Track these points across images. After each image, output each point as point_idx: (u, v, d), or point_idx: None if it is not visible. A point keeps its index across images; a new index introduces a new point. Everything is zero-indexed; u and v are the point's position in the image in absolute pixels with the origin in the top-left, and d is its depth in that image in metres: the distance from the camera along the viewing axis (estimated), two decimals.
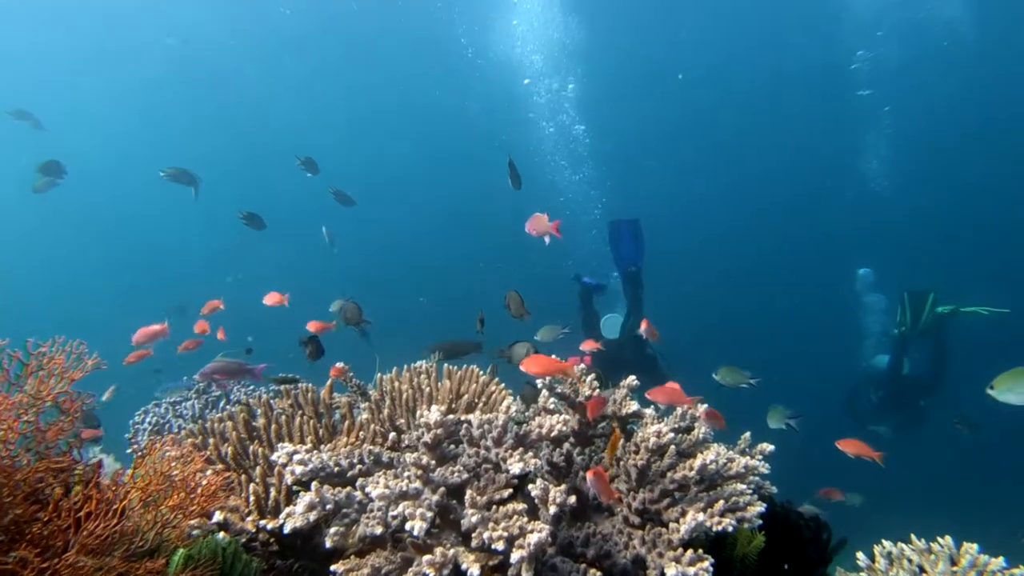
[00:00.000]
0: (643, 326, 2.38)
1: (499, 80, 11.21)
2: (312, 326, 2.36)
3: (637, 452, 1.62)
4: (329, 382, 2.07)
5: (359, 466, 1.45)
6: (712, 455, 1.52)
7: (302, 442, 1.70)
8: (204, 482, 1.13)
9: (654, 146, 14.97)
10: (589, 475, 1.42)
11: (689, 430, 1.96)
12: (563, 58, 9.96)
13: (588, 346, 3.46)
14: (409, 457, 1.36)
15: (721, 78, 13.61)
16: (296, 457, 1.41)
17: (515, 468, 1.39)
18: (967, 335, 6.38)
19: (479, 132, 14.43)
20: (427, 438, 1.43)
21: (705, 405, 2.04)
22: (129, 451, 2.28)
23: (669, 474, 1.52)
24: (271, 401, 2.00)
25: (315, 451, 1.49)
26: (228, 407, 2.17)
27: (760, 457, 1.95)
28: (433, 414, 1.42)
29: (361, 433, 1.79)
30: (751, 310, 14.44)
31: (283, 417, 1.77)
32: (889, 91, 10.56)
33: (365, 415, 1.97)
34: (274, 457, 1.45)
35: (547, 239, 2.20)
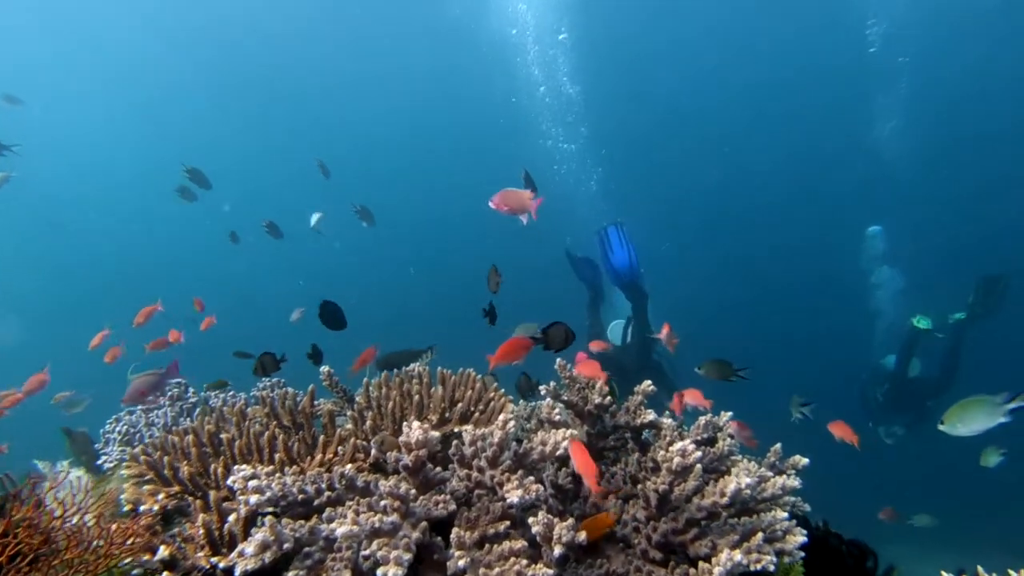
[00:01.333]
0: (664, 330, 2.08)
1: (491, 43, 10.23)
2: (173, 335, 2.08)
3: (657, 473, 1.34)
4: (310, 388, 1.80)
5: (328, 493, 1.18)
6: (746, 478, 1.23)
7: (271, 460, 1.43)
8: (120, 526, 0.86)
9: (652, 114, 13.83)
10: (572, 447, 1.19)
11: (712, 442, 1.67)
12: (556, 10, 8.94)
13: (596, 346, 3.18)
14: (385, 485, 1.08)
15: (725, 37, 12.36)
16: (252, 484, 1.13)
17: (513, 496, 1.11)
18: (981, 339, 6.00)
19: (472, 108, 13.49)
20: (407, 460, 1.15)
21: (730, 413, 1.76)
22: (99, 462, 2.02)
23: (696, 500, 1.24)
24: (245, 409, 1.73)
25: (278, 474, 1.21)
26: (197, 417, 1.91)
27: (793, 472, 1.67)
28: (414, 432, 1.15)
29: (340, 448, 1.52)
30: (756, 303, 13.79)
31: (251, 429, 1.50)
32: (904, 49, 9.54)
33: (350, 426, 1.71)
34: (229, 481, 1.18)
35: (524, 218, 1.83)
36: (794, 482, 1.41)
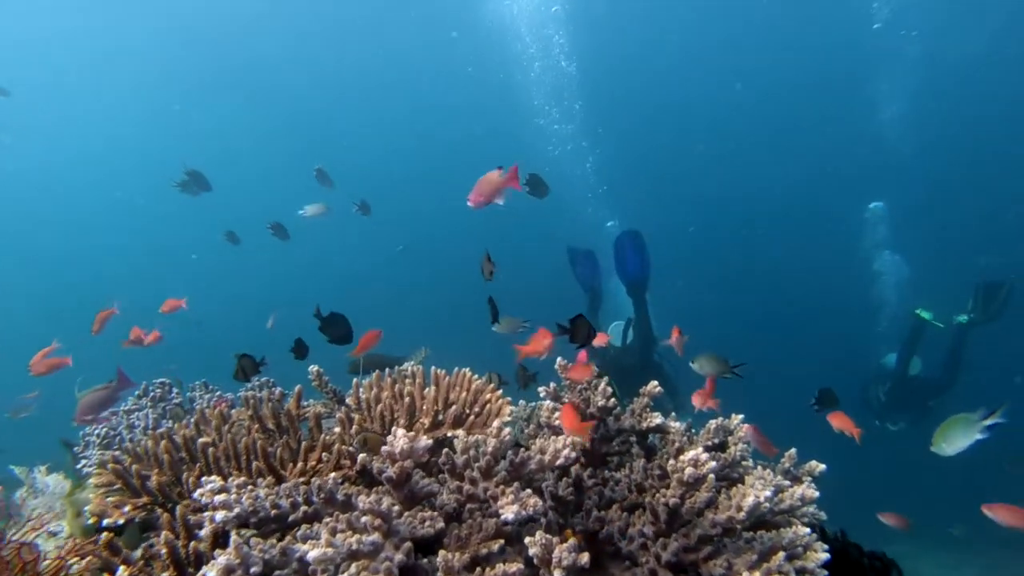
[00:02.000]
0: (674, 335, 1.94)
1: (486, 18, 9.49)
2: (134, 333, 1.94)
3: (664, 480, 1.21)
4: (297, 389, 1.67)
5: (304, 508, 1.05)
6: (765, 490, 1.10)
7: (248, 469, 1.30)
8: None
9: (647, 95, 12.90)
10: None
11: (722, 447, 1.54)
12: None
13: (600, 340, 3.03)
14: (364, 500, 0.95)
15: (725, 12, 11.44)
16: (218, 499, 1.00)
17: (508, 512, 0.98)
18: (983, 339, 5.80)
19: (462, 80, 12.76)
20: (391, 472, 1.02)
21: (741, 416, 1.62)
22: (79, 466, 1.90)
23: (710, 515, 1.10)
24: (226, 412, 1.60)
25: (250, 486, 1.08)
26: (181, 420, 1.77)
27: (809, 479, 1.53)
28: (399, 440, 1.02)
29: (325, 455, 1.38)
30: (756, 299, 13.38)
31: (228, 435, 1.37)
32: (912, 25, 8.83)
33: (338, 429, 1.58)
34: (197, 494, 1.05)
35: (500, 200, 1.69)
36: (813, 492, 1.28)
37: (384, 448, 1.02)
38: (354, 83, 13.78)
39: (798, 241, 13.28)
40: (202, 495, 1.04)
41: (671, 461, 1.14)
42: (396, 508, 0.98)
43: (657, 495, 1.15)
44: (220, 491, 1.05)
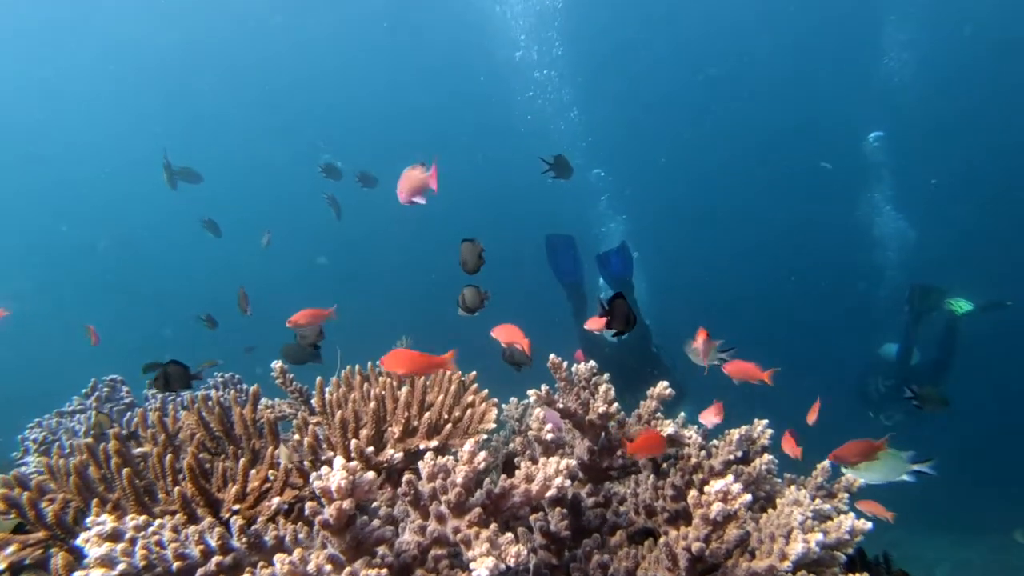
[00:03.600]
0: (700, 336, 1.67)
1: None
2: None
3: (680, 504, 0.93)
4: (253, 389, 1.39)
5: (217, 557, 0.77)
6: (817, 532, 0.82)
7: (180, 495, 1.02)
8: None
9: (639, 28, 11.42)
10: None
11: (746, 459, 1.26)
12: None
13: (593, 324, 2.70)
14: (284, 561, 0.67)
15: None
16: (97, 552, 0.72)
17: (482, 568, 0.70)
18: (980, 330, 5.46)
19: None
20: (328, 515, 0.74)
21: (765, 421, 1.34)
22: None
23: (744, 563, 0.82)
24: (166, 418, 1.33)
25: (154, 525, 0.80)
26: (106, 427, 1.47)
27: (847, 497, 1.26)
28: (336, 474, 0.73)
29: (271, 472, 1.11)
30: (754, 283, 12.74)
31: (156, 447, 1.09)
32: None
33: (296, 438, 1.30)
34: (79, 540, 0.77)
35: (422, 200, 1.44)
36: (864, 524, 1.00)
37: (317, 483, 0.74)
38: (317, 34, 12.59)
39: (796, 196, 12.39)
40: (85, 542, 0.76)
41: (693, 492, 0.86)
42: (328, 568, 0.70)
43: (676, 535, 0.87)
44: (110, 536, 0.77)
